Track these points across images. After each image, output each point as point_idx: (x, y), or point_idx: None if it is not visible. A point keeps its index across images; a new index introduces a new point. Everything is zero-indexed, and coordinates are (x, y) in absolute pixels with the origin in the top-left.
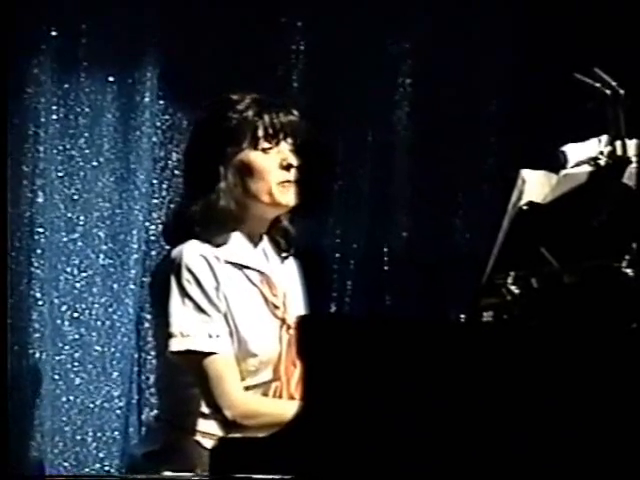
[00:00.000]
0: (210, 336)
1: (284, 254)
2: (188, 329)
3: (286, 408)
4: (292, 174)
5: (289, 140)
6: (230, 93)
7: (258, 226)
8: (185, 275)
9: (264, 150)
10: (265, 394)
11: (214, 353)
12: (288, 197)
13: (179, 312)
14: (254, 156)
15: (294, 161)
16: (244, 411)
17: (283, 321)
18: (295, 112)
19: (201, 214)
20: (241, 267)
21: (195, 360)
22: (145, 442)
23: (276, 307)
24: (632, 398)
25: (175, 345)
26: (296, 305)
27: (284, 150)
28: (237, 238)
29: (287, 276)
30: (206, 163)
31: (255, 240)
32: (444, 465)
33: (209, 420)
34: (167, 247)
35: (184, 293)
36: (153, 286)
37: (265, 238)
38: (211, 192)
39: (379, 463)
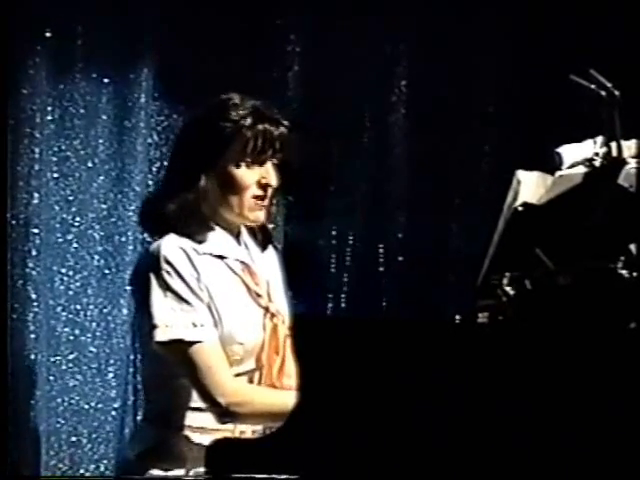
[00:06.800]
0: (194, 325)
1: (263, 246)
2: (171, 319)
3: (278, 397)
4: (268, 192)
5: (276, 156)
6: (217, 100)
7: (233, 226)
8: (164, 267)
9: (248, 166)
10: (250, 382)
11: (199, 342)
12: (258, 215)
13: (161, 304)
14: (236, 171)
15: (274, 181)
16: (237, 398)
17: (267, 309)
18: (286, 125)
19: (177, 213)
20: (221, 257)
21: (181, 350)
22: (136, 442)
23: (259, 295)
24: (627, 398)
25: (159, 336)
26: (278, 294)
27: (267, 168)
28: (215, 232)
29: (268, 266)
30: (189, 165)
31: (233, 233)
32: (441, 465)
33: (199, 414)
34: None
35: (165, 285)
36: (134, 283)
37: (243, 230)
38: (189, 194)
39: (374, 462)
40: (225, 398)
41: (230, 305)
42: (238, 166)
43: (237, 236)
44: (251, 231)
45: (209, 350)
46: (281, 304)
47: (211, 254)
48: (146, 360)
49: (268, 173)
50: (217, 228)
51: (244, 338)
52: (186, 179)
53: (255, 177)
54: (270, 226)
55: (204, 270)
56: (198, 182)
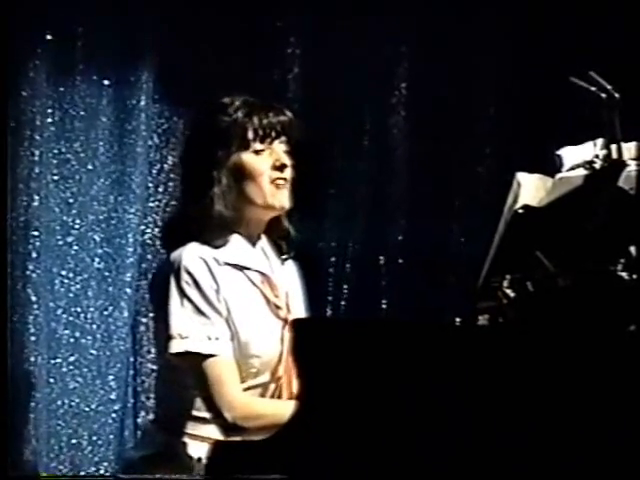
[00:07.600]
0: (209, 338)
1: (284, 256)
2: (187, 331)
3: (286, 409)
4: (286, 173)
5: (282, 139)
6: (220, 97)
7: (255, 228)
8: (184, 277)
9: (256, 152)
10: (263, 394)
11: (213, 355)
12: (282, 199)
13: (178, 314)
14: (246, 158)
15: (287, 161)
16: (244, 413)
17: (285, 321)
18: (287, 112)
19: (196, 219)
20: (241, 268)
21: (194, 362)
22: (141, 446)
23: (278, 307)
24: (628, 400)
25: (174, 347)
26: (298, 306)
27: (277, 151)
28: (236, 240)
29: (288, 277)
30: (199, 168)
31: (254, 241)
32: (441, 468)
33: (206, 424)
34: (163, 250)
35: (183, 295)
36: (153, 289)
37: (264, 238)
38: (205, 197)
39: (374, 464)
40: (231, 412)
41: (248, 318)
42: (246, 154)
43: (257, 245)
44: (273, 241)
45: (222, 364)
46: (301, 315)
47: (231, 264)
48: (159, 366)
49: (279, 154)
50: (237, 236)
51: (261, 351)
52: (199, 185)
53: (267, 161)
54: (293, 234)
55: (223, 281)
56: (212, 184)
